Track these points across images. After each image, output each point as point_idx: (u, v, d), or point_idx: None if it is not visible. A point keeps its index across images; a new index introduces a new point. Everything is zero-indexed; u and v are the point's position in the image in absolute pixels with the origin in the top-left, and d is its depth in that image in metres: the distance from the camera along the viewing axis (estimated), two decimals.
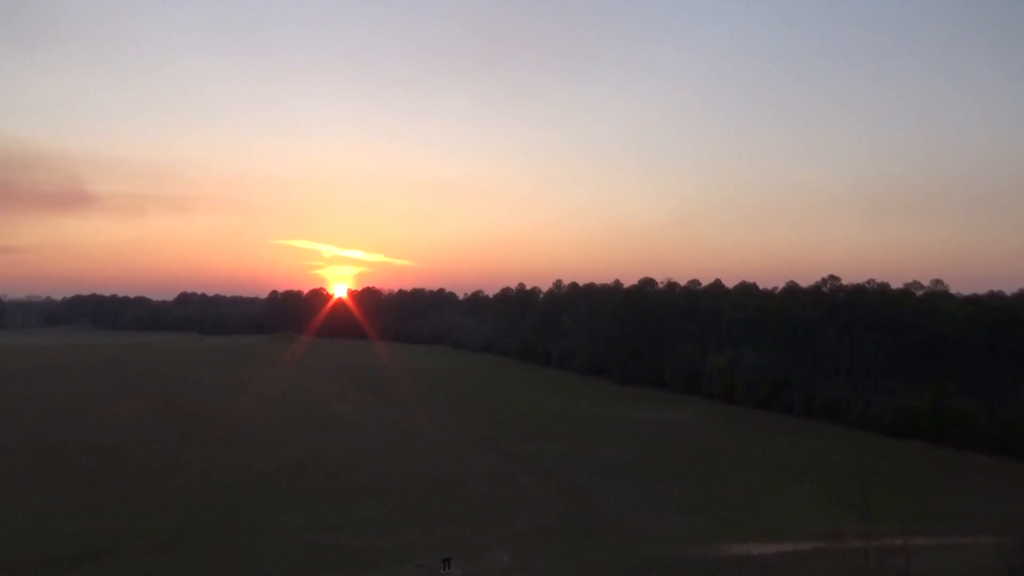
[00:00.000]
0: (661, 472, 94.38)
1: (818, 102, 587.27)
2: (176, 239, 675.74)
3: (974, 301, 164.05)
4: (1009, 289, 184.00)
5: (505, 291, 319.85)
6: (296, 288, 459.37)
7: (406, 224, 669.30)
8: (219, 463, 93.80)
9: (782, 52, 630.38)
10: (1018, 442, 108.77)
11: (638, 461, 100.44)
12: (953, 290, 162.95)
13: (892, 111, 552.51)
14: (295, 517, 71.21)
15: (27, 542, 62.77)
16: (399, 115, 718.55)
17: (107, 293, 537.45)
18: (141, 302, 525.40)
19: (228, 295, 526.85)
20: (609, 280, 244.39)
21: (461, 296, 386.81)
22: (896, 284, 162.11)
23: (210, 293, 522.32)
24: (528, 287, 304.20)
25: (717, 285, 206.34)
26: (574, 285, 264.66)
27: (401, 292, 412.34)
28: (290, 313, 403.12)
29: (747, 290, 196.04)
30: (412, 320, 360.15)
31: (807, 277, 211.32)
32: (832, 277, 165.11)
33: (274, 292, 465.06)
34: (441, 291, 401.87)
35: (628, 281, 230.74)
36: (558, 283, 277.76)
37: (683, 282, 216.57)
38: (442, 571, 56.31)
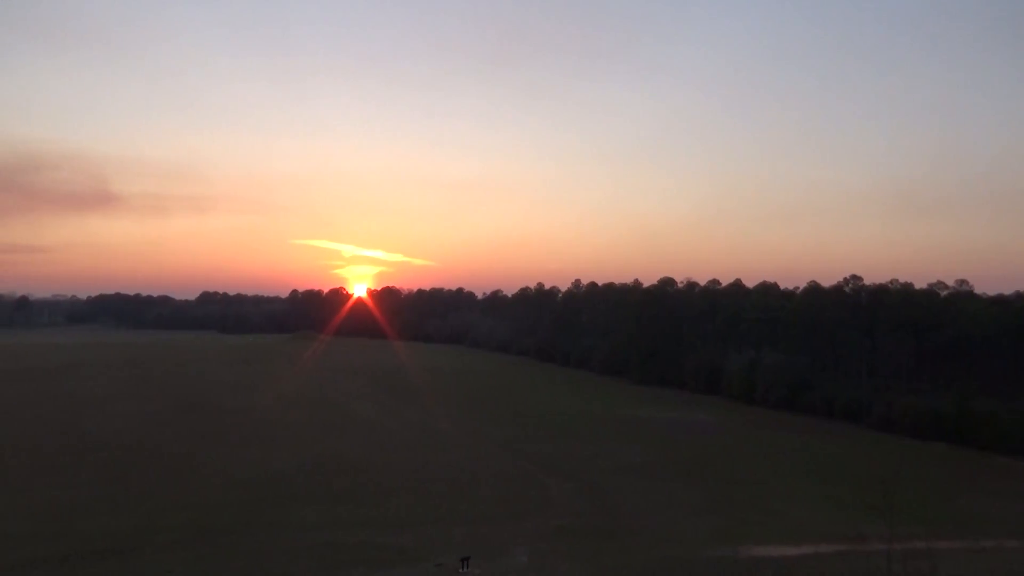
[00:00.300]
0: (680, 473, 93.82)
1: (839, 99, 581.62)
2: (198, 239, 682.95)
3: (1000, 301, 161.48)
4: None
5: (524, 291, 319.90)
6: (316, 287, 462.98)
7: (425, 224, 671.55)
8: (239, 461, 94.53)
9: (801, 50, 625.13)
10: None
11: (657, 461, 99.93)
12: (978, 290, 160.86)
13: (915, 108, 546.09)
14: (314, 515, 71.58)
15: (50, 538, 63.59)
16: (419, 115, 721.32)
17: (131, 292, 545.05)
18: (164, 301, 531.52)
19: (249, 294, 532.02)
20: (628, 280, 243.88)
21: (480, 296, 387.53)
22: (920, 284, 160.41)
23: (231, 292, 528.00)
24: (547, 287, 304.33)
25: (737, 285, 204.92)
26: (593, 285, 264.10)
27: (420, 292, 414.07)
28: (310, 312, 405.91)
29: (767, 290, 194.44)
30: (431, 319, 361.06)
31: (829, 277, 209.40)
32: (854, 277, 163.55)
33: (294, 291, 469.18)
34: (460, 291, 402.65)
35: (647, 281, 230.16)
36: (577, 283, 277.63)
37: (703, 282, 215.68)
38: (460, 570, 56.32)
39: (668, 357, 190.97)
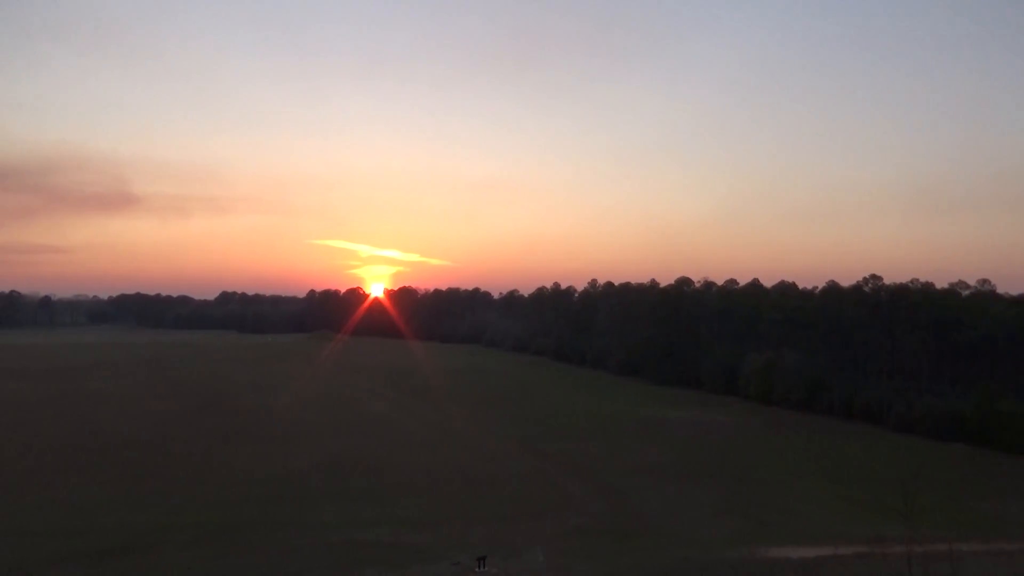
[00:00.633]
0: (697, 473, 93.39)
1: (858, 97, 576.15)
2: (217, 239, 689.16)
3: (1023, 301, 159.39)
4: None
5: (540, 290, 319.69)
6: (334, 287, 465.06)
7: (442, 224, 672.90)
8: (258, 460, 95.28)
9: (820, 48, 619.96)
10: None
11: (674, 462, 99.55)
12: (1001, 290, 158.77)
13: (936, 105, 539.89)
14: (332, 513, 72.02)
15: (71, 535, 64.48)
16: (436, 116, 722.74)
17: (151, 292, 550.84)
18: (184, 301, 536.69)
19: (267, 294, 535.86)
20: (645, 279, 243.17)
21: (496, 295, 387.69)
22: (941, 283, 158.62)
23: (250, 292, 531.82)
24: (563, 286, 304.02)
25: (755, 285, 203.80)
26: (609, 284, 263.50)
27: (437, 291, 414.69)
28: (328, 312, 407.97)
29: (786, 290, 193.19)
30: (447, 319, 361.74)
31: (848, 276, 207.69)
32: (874, 276, 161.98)
33: (312, 291, 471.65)
34: (476, 290, 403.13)
35: (664, 281, 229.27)
36: (593, 282, 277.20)
37: (720, 281, 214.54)
38: (477, 569, 56.41)
39: (685, 357, 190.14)
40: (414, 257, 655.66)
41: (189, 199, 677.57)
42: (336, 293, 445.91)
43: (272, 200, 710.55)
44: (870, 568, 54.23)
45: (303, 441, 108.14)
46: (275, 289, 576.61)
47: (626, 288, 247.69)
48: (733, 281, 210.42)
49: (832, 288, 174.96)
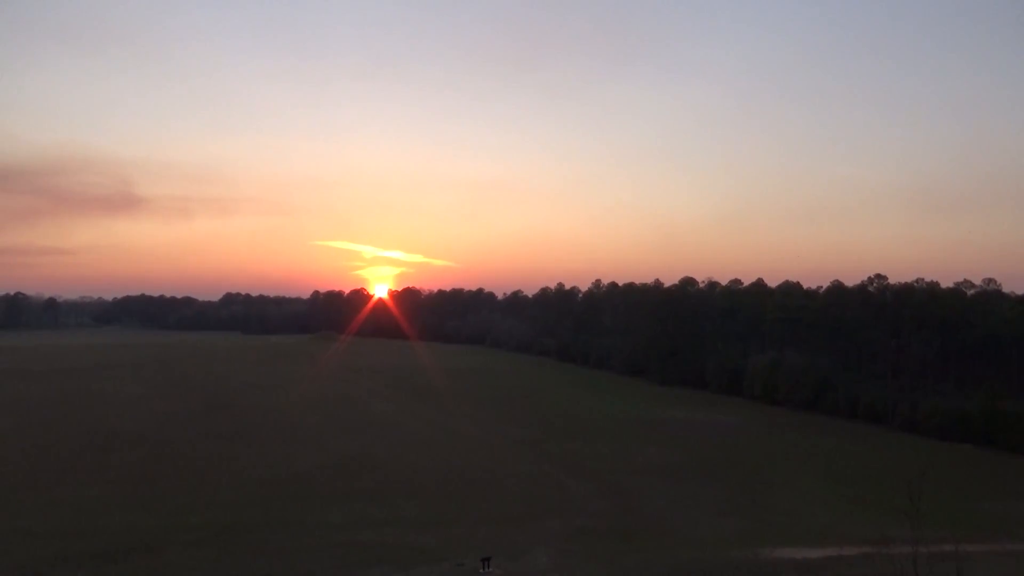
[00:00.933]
0: (702, 474, 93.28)
1: (862, 97, 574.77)
2: (221, 240, 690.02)
3: None
4: None
5: (544, 291, 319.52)
6: (337, 288, 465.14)
7: (446, 224, 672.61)
8: (263, 460, 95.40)
9: (823, 48, 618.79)
10: None
11: (678, 462, 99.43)
12: (1006, 289, 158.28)
13: (941, 104, 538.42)
14: (337, 514, 72.10)
15: (78, 535, 64.63)
16: (438, 117, 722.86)
17: (155, 293, 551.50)
18: (188, 302, 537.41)
19: (271, 295, 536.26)
20: (649, 280, 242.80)
21: (500, 296, 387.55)
22: (946, 283, 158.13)
23: (254, 293, 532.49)
24: (567, 287, 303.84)
25: (759, 284, 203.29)
26: (613, 285, 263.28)
27: (440, 292, 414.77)
28: (332, 313, 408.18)
29: (790, 290, 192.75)
30: (451, 320, 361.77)
31: (853, 276, 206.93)
32: (879, 276, 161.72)
33: (316, 292, 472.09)
34: (480, 291, 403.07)
35: (668, 281, 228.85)
36: (597, 283, 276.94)
37: (724, 281, 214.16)
38: (481, 570, 56.41)
39: (689, 357, 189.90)
40: (418, 258, 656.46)
41: (193, 200, 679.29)
42: (340, 294, 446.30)
43: (276, 201, 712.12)
44: (874, 569, 53.94)
45: (308, 442, 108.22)
46: (279, 290, 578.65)
47: (630, 288, 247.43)
48: (737, 281, 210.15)
49: (836, 288, 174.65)
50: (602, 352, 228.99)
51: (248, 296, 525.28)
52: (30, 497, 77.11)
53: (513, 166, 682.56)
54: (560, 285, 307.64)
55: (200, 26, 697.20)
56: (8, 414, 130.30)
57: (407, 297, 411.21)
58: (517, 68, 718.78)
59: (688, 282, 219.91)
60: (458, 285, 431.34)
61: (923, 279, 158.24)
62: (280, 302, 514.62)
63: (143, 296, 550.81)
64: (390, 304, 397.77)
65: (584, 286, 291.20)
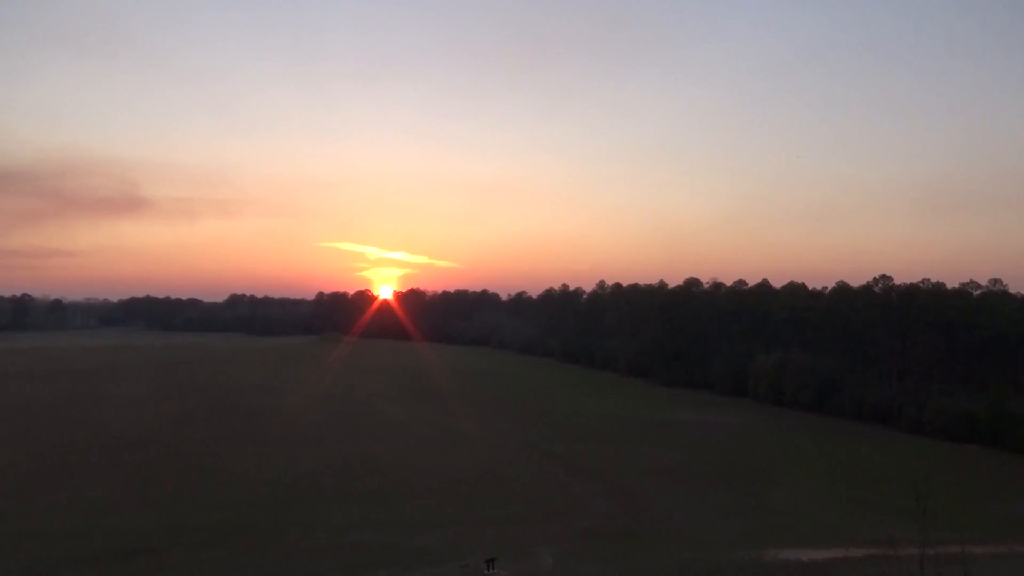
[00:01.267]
0: (707, 475, 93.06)
1: (866, 96, 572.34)
2: (226, 242, 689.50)
3: None
4: None
5: (548, 292, 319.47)
6: (342, 290, 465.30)
7: (450, 226, 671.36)
8: (267, 462, 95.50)
9: (826, 48, 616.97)
10: None
11: (683, 463, 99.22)
12: (1012, 289, 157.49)
13: (946, 103, 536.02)
14: (341, 515, 72.10)
15: (83, 536, 64.75)
16: (442, 118, 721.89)
17: (161, 295, 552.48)
18: (193, 304, 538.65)
19: (276, 297, 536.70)
20: (653, 281, 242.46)
21: (504, 297, 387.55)
22: (952, 283, 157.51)
23: (259, 295, 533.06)
24: (571, 288, 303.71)
25: (764, 285, 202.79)
26: (618, 286, 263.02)
27: (445, 293, 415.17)
28: (336, 314, 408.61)
29: (795, 290, 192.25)
30: (456, 321, 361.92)
31: (858, 277, 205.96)
32: (884, 276, 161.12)
33: (321, 294, 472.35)
34: (484, 292, 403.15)
35: (673, 282, 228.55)
36: (601, 284, 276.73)
37: (729, 282, 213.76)
38: (486, 571, 56.35)
39: (694, 358, 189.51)
40: (422, 259, 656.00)
41: (198, 202, 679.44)
42: (345, 295, 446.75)
43: (281, 203, 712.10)
44: (881, 570, 53.72)
45: (312, 443, 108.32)
46: (284, 291, 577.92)
47: (634, 289, 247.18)
48: (742, 282, 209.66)
49: (842, 288, 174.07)
50: (606, 353, 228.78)
51: (253, 297, 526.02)
52: (37, 498, 77.30)
53: (517, 167, 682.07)
54: (564, 286, 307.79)
55: (205, 29, 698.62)
56: (14, 415, 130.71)
57: (411, 298, 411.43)
58: (521, 69, 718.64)
59: (693, 283, 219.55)
60: (462, 286, 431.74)
61: (929, 280, 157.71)
62: (285, 303, 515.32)
63: (148, 298, 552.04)
64: (394, 305, 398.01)
65: (588, 287, 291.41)
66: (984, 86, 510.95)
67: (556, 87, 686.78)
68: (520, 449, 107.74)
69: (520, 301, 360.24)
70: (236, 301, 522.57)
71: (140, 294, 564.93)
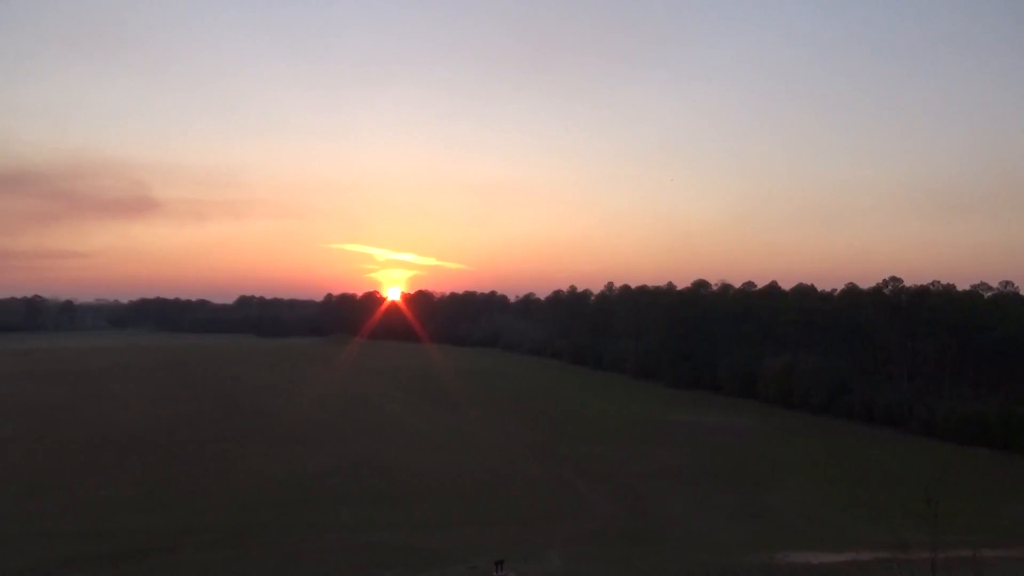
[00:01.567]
0: (715, 477, 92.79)
1: (874, 98, 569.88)
2: (235, 243, 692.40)
3: None
4: None
5: (556, 293, 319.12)
6: (351, 291, 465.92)
7: (458, 227, 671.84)
8: (276, 462, 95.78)
9: (834, 49, 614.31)
10: None
11: (692, 465, 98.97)
12: None
13: (955, 104, 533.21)
14: (350, 516, 72.24)
15: (93, 536, 65.07)
16: (450, 120, 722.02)
17: (170, 296, 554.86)
18: (202, 305, 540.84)
19: (285, 298, 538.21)
20: (661, 282, 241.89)
21: (512, 299, 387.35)
22: (963, 285, 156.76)
23: (268, 296, 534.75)
24: (579, 289, 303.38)
25: (773, 287, 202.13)
26: (626, 287, 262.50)
27: (453, 295, 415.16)
28: (345, 315, 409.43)
29: (804, 292, 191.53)
30: (464, 322, 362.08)
31: (867, 278, 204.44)
32: (894, 278, 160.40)
33: (329, 295, 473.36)
34: (492, 294, 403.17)
35: (681, 283, 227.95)
36: (609, 285, 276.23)
37: (737, 284, 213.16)
38: (494, 573, 56.29)
39: (702, 360, 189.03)
40: (430, 261, 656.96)
41: (207, 204, 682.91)
42: (353, 297, 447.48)
43: (289, 204, 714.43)
44: (892, 574, 53.47)
45: (321, 444, 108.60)
46: (292, 293, 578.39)
47: (642, 291, 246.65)
48: (751, 283, 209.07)
49: (851, 290, 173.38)
50: (615, 355, 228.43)
51: (262, 299, 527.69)
52: (47, 498, 77.73)
53: (524, 169, 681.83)
54: (572, 288, 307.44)
55: (214, 32, 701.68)
56: (25, 415, 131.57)
57: (420, 300, 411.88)
58: (528, 71, 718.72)
59: (701, 284, 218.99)
60: (470, 288, 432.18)
61: (939, 281, 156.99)
62: (294, 305, 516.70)
63: (158, 299, 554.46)
64: (403, 307, 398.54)
65: (596, 289, 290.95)
66: (995, 86, 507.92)
67: (563, 88, 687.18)
68: (528, 450, 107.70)
69: (528, 303, 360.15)
70: (245, 302, 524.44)
71: (150, 295, 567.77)
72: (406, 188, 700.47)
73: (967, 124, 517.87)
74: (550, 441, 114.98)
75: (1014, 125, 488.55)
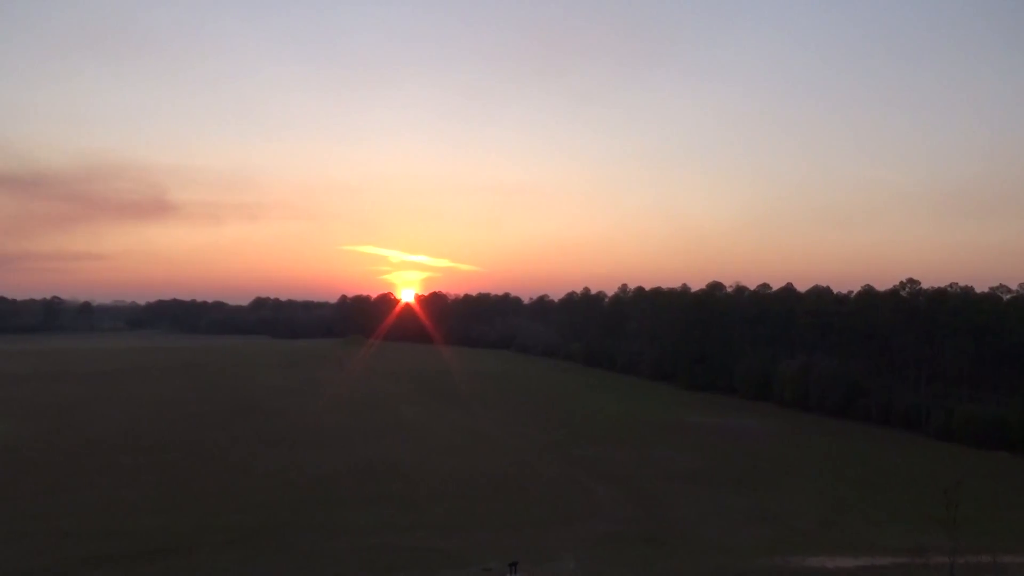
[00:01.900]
0: (731, 480, 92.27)
1: (891, 98, 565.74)
2: (251, 245, 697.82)
3: None
4: None
5: (570, 295, 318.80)
6: (365, 293, 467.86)
7: (471, 229, 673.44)
8: (291, 463, 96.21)
9: (850, 49, 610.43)
10: None
11: (707, 468, 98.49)
12: None
13: (973, 105, 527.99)
14: (364, 517, 72.41)
15: (108, 536, 65.58)
16: (465, 123, 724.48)
17: (187, 298, 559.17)
18: (218, 306, 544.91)
19: (300, 300, 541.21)
20: (676, 284, 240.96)
21: (526, 300, 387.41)
22: (981, 287, 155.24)
23: (283, 298, 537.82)
24: (593, 291, 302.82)
25: (788, 289, 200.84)
26: (640, 289, 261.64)
27: (467, 297, 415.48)
28: (359, 317, 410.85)
29: (820, 294, 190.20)
30: (478, 324, 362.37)
31: (884, 281, 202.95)
32: (911, 280, 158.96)
33: (344, 297, 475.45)
34: (506, 295, 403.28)
35: (695, 285, 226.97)
36: (624, 287, 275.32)
37: (752, 286, 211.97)
38: (508, 575, 56.24)
39: (717, 362, 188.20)
40: (444, 262, 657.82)
41: (224, 206, 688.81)
42: (367, 298, 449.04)
43: (304, 207, 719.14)
44: None
45: (336, 445, 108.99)
46: (307, 295, 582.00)
47: (657, 293, 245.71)
48: (766, 285, 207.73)
49: (868, 292, 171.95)
50: (629, 357, 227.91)
51: (277, 300, 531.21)
52: (64, 498, 78.47)
53: (538, 170, 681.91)
54: (586, 289, 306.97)
55: (229, 36, 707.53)
56: (44, 416, 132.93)
57: (434, 301, 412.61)
58: (541, 73, 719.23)
59: (716, 287, 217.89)
60: (484, 290, 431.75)
61: (957, 284, 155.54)
62: (308, 306, 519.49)
63: (175, 300, 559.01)
64: (417, 309, 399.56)
65: (610, 290, 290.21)
66: (1013, 87, 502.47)
67: (576, 90, 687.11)
68: (542, 452, 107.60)
69: (542, 304, 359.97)
70: (260, 304, 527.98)
71: (167, 297, 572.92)
72: (420, 190, 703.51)
73: (985, 125, 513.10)
74: (564, 443, 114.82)
75: None
